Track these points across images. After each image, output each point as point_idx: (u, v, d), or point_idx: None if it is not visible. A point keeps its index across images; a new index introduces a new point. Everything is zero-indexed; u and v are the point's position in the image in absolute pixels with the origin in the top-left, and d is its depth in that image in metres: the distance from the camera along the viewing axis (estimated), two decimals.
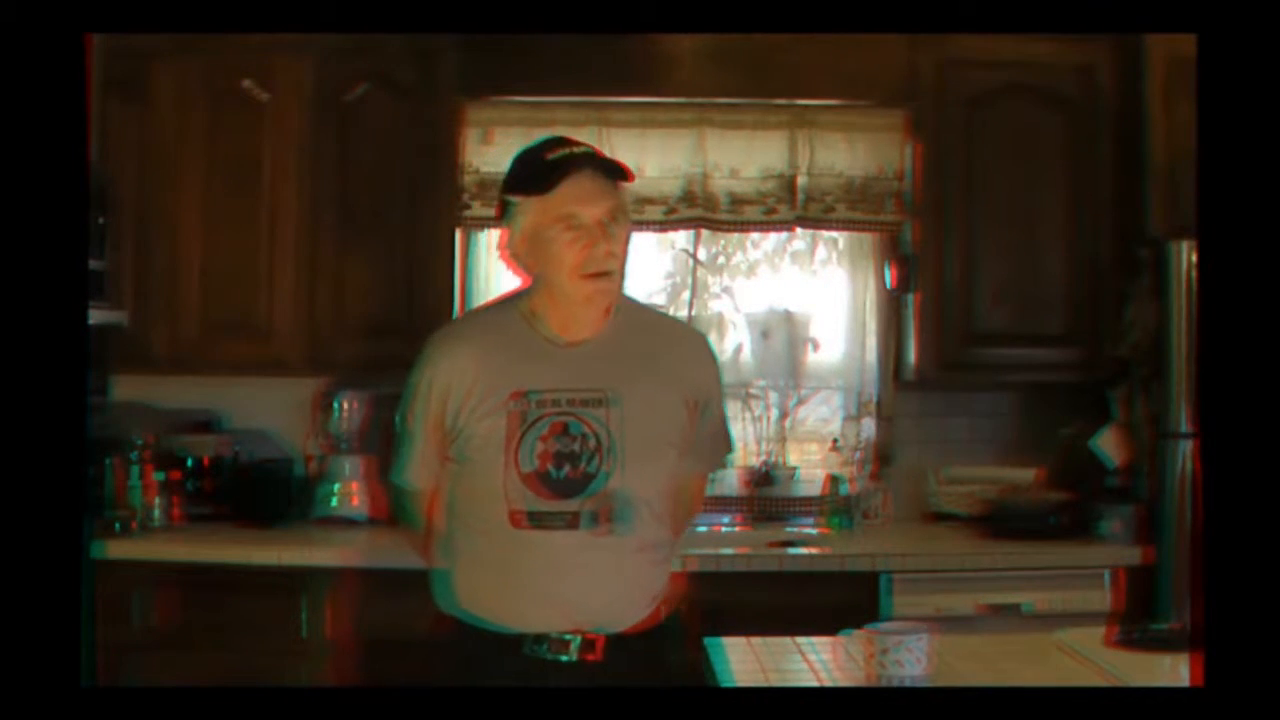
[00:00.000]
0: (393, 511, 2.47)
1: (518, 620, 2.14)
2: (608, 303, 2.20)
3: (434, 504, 2.27)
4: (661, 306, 4.00)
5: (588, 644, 2.14)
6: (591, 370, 2.17)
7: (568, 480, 2.12)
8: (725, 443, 2.43)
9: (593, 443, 2.13)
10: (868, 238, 4.10)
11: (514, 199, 2.17)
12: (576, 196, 2.11)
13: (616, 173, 2.17)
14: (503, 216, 2.20)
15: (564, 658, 2.13)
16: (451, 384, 2.17)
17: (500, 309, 2.30)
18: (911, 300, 3.94)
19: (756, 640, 2.39)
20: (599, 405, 2.15)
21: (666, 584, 2.26)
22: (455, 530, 2.22)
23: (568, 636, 2.13)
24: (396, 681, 2.21)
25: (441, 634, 2.22)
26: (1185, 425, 3.46)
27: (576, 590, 2.14)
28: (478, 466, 2.15)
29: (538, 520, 2.12)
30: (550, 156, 2.15)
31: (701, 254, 4.14)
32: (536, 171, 2.14)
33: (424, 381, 2.20)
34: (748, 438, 4.10)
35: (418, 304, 3.75)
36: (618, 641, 2.15)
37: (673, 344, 2.32)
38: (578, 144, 2.19)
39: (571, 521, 2.12)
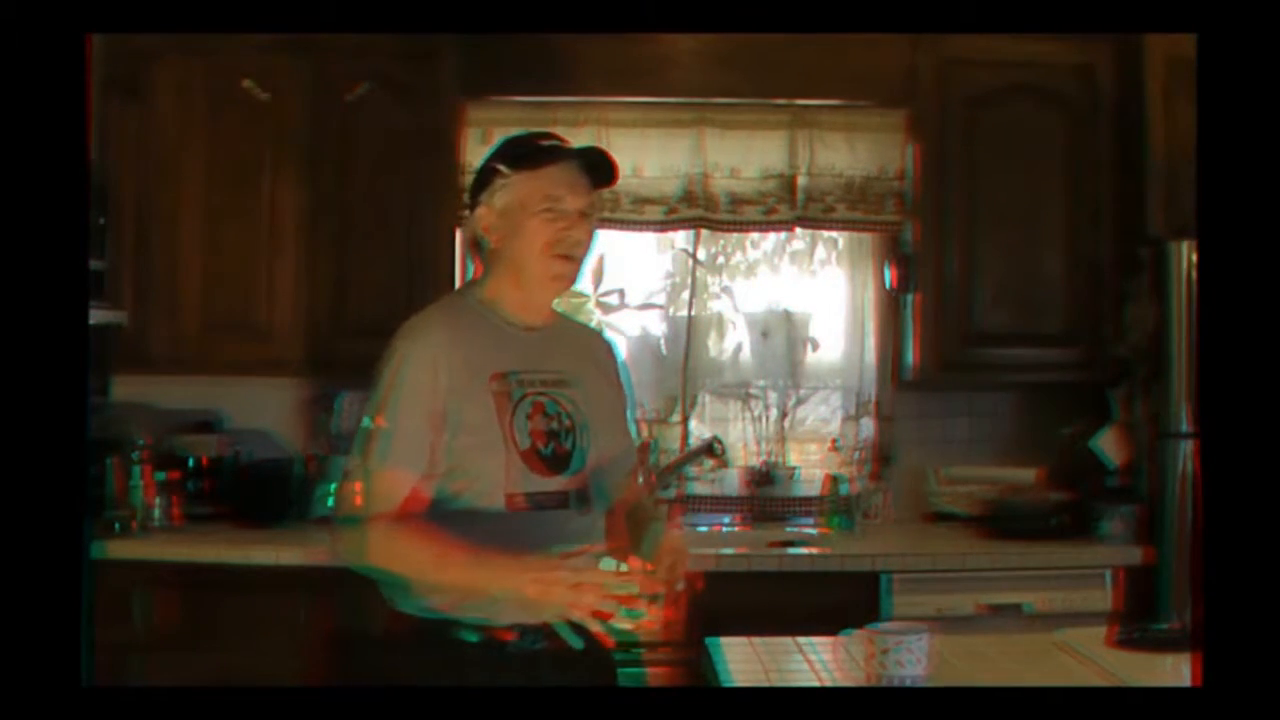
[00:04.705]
0: (344, 509, 2.20)
1: (512, 613, 2.09)
2: (564, 288, 2.27)
3: (412, 498, 2.14)
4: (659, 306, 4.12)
5: (578, 629, 2.09)
6: (549, 354, 2.25)
7: (555, 457, 2.16)
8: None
9: (568, 421, 2.19)
10: (867, 238, 4.10)
11: (502, 168, 2.22)
12: (562, 181, 2.19)
13: (599, 177, 2.23)
14: (480, 188, 2.24)
15: (539, 646, 2.10)
16: (438, 363, 2.14)
17: (455, 299, 2.35)
18: (911, 300, 3.94)
19: (757, 640, 2.40)
20: (564, 386, 2.22)
21: None
22: (443, 524, 2.11)
23: (556, 625, 2.10)
24: (396, 681, 2.20)
25: (400, 634, 2.18)
26: (1185, 425, 3.46)
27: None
28: (472, 451, 2.12)
29: (534, 501, 2.13)
30: (544, 143, 2.25)
31: (701, 254, 4.14)
32: (530, 150, 2.22)
33: (408, 365, 2.15)
34: (747, 438, 4.10)
35: (418, 304, 3.71)
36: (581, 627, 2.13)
37: (592, 337, 2.47)
38: (568, 143, 2.28)
39: (561, 501, 2.15)
